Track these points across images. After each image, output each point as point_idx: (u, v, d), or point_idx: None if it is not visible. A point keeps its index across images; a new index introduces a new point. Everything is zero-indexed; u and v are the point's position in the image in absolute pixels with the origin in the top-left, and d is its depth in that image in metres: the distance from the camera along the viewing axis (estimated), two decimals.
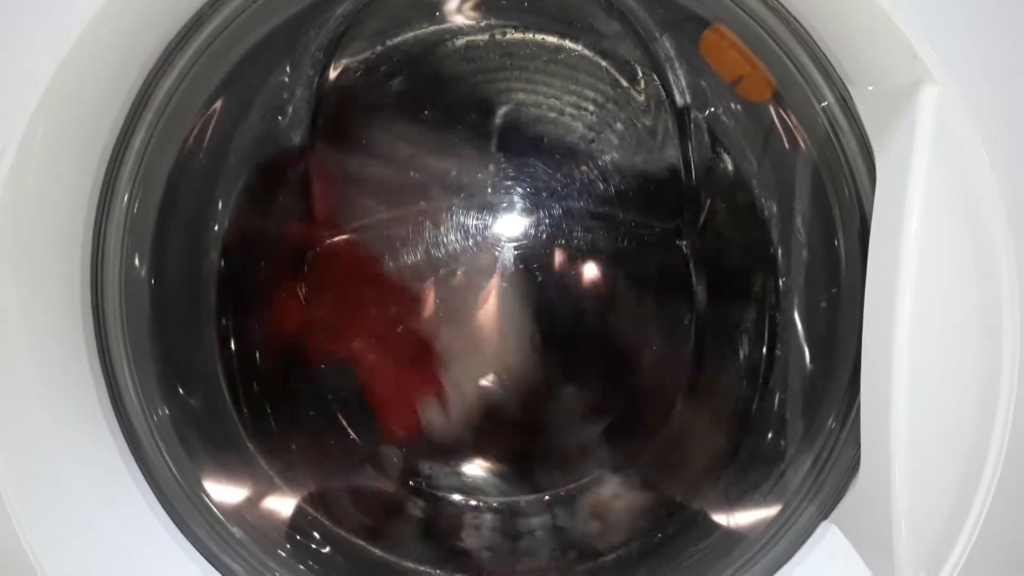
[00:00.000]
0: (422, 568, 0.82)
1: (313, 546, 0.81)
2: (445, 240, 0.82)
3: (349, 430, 0.87)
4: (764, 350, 0.79)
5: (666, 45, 0.77)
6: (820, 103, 0.65)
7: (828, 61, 0.63)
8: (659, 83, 0.79)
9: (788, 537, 0.69)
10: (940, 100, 0.55)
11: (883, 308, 0.57)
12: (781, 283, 0.77)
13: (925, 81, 0.55)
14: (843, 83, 0.63)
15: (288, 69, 0.81)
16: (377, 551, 0.84)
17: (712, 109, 0.77)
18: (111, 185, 0.68)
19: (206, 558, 0.69)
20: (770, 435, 0.77)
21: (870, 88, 0.60)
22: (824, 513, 0.67)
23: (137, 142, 0.68)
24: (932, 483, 0.58)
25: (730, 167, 0.79)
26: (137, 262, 0.72)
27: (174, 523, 0.69)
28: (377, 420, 0.88)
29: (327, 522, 0.83)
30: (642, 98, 0.81)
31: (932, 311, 0.56)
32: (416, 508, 0.87)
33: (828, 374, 0.71)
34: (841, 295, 0.69)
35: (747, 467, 0.78)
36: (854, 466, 0.67)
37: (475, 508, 0.86)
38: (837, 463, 0.69)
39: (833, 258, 0.70)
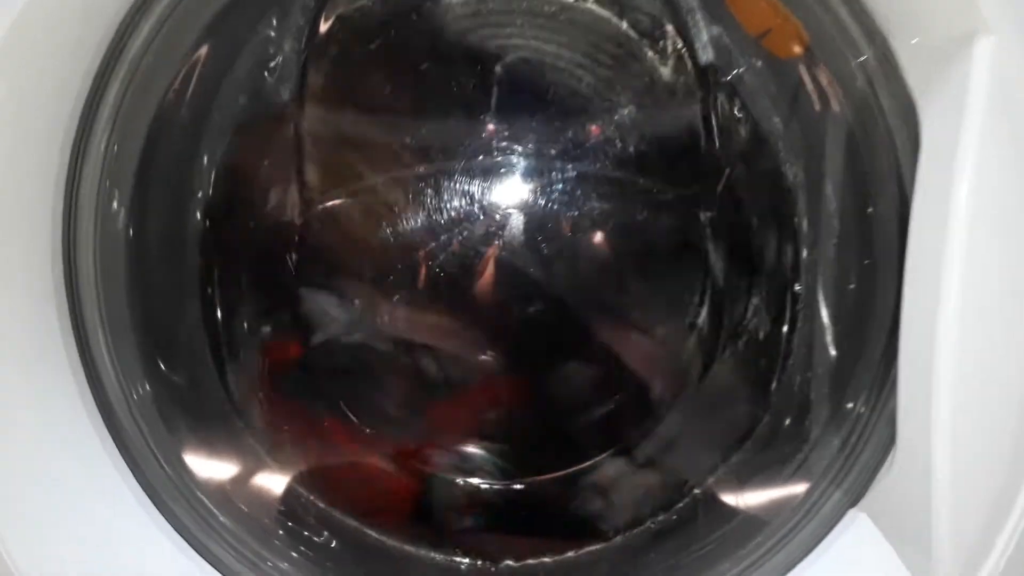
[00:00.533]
0: (421, 551, 0.78)
1: (306, 530, 0.77)
2: (445, 204, 0.77)
3: (344, 406, 0.83)
4: (786, 325, 0.74)
5: None
6: (857, 59, 0.60)
7: (867, 11, 0.58)
8: (680, 37, 0.73)
9: (812, 525, 0.65)
10: (996, 52, 0.50)
11: (927, 281, 0.52)
12: (806, 254, 0.72)
13: (980, 31, 0.50)
14: (884, 36, 0.57)
15: (275, 21, 0.75)
16: (373, 533, 0.80)
17: (736, 67, 0.72)
18: (85, 141, 0.63)
19: (191, 544, 0.65)
20: (792, 416, 0.72)
21: (915, 41, 0.55)
22: (852, 500, 0.63)
23: (112, 93, 0.63)
24: (976, 471, 0.54)
25: (754, 130, 0.74)
26: (113, 225, 0.67)
27: (156, 507, 0.65)
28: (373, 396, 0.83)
29: (321, 504, 0.79)
30: (660, 54, 0.75)
31: (983, 284, 0.51)
32: (415, 488, 0.82)
33: (857, 352, 0.67)
34: (875, 267, 0.64)
35: (767, 449, 0.74)
36: (884, 450, 0.62)
37: (476, 489, 0.81)
38: (866, 447, 0.64)
39: (866, 228, 0.65)
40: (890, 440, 0.62)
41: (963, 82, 0.50)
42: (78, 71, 0.59)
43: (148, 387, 0.70)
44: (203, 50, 0.70)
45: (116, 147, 0.65)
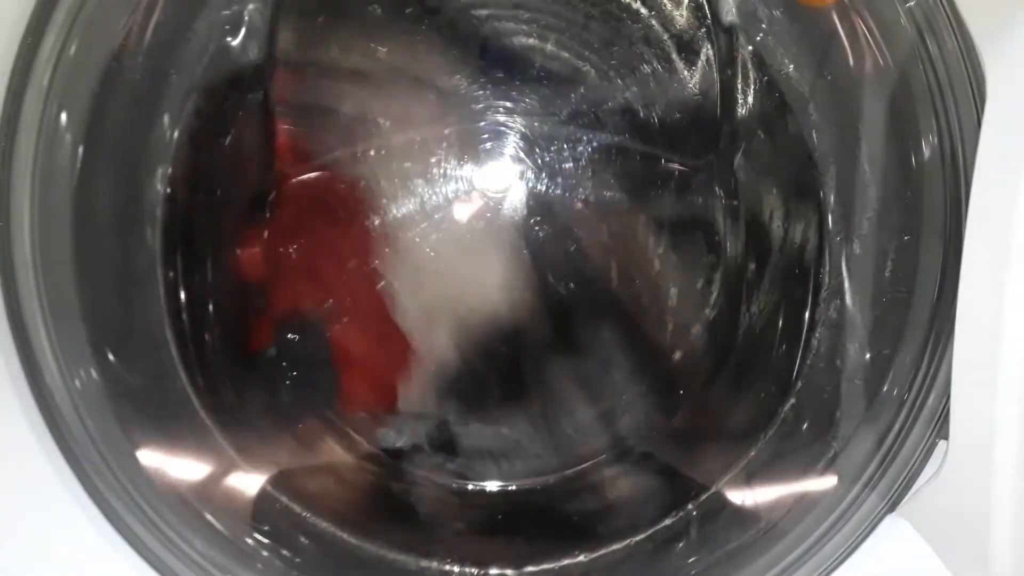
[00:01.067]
0: (410, 559, 0.71)
1: (280, 538, 0.69)
2: (431, 177, 0.70)
3: (321, 399, 0.75)
4: (809, 310, 0.67)
5: None
6: (905, 2, 0.53)
7: None
8: None
9: (846, 531, 0.58)
10: None
11: (995, 259, 0.45)
12: (833, 230, 0.65)
13: None
14: None
15: None
16: (353, 540, 0.73)
17: (762, 24, 0.64)
18: (17, 104, 0.55)
19: (144, 557, 0.57)
20: (818, 410, 0.66)
21: None
22: (890, 505, 0.56)
23: (47, 48, 0.54)
24: None
25: (778, 95, 0.66)
26: (56, 199, 0.59)
27: (105, 517, 0.58)
28: (351, 387, 0.76)
29: (297, 508, 0.72)
30: (678, 10, 0.68)
31: None
32: (399, 491, 0.75)
33: (894, 341, 0.60)
34: (916, 244, 0.58)
35: (790, 447, 0.67)
36: (927, 451, 0.56)
37: (467, 492, 0.74)
38: (904, 446, 0.58)
39: (909, 199, 0.58)
40: (933, 438, 0.56)
41: None
42: (8, 10, 0.51)
43: (97, 380, 0.62)
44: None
45: (57, 105, 0.57)
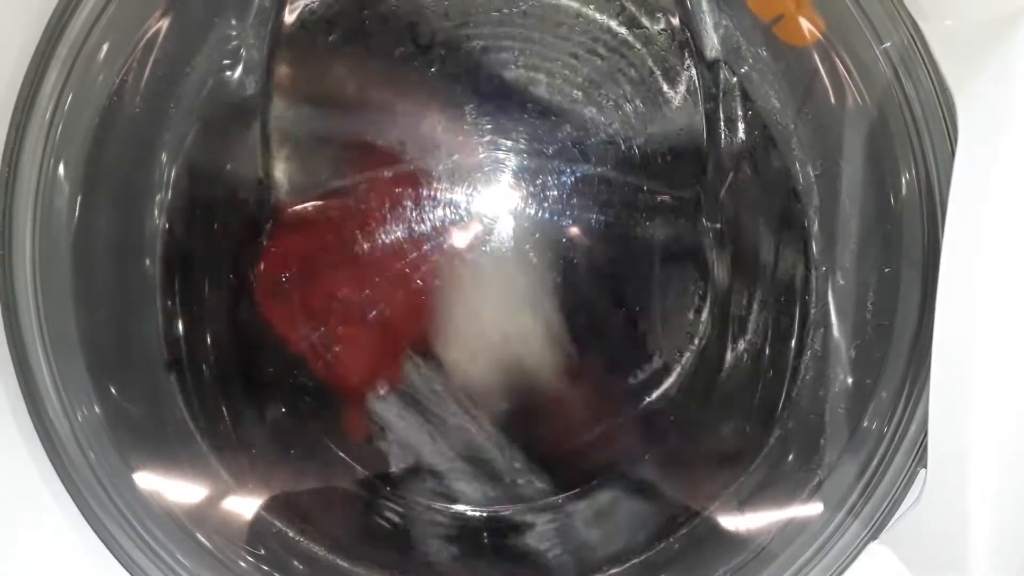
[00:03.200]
0: None
1: (275, 562, 0.70)
2: (428, 209, 0.71)
3: (317, 426, 0.76)
4: (795, 340, 0.68)
5: None
6: (881, 44, 0.54)
7: None
8: (685, 29, 0.67)
9: (828, 559, 0.59)
10: None
11: (968, 290, 0.46)
12: (817, 262, 0.66)
13: None
14: (912, 18, 0.52)
15: (233, 20, 0.69)
16: (346, 563, 0.73)
17: (745, 61, 0.66)
18: (19, 139, 0.56)
19: None
20: (803, 438, 0.67)
21: (948, 23, 0.50)
22: (873, 532, 0.57)
23: (49, 85, 0.56)
24: (1019, 503, 0.48)
25: (762, 128, 0.68)
26: (56, 228, 0.61)
27: (100, 539, 0.58)
28: (347, 416, 0.77)
29: (291, 533, 0.72)
30: (664, 47, 0.69)
31: None
32: (395, 517, 0.76)
33: (876, 370, 0.61)
34: (897, 276, 0.59)
35: (776, 474, 0.68)
36: (909, 479, 0.57)
37: (461, 516, 0.75)
38: (886, 474, 0.59)
39: (888, 232, 0.59)
40: (914, 467, 0.57)
41: (1007, 69, 0.45)
42: (12, 46, 0.53)
43: (96, 406, 0.63)
44: (159, 32, 0.64)
45: (58, 139, 0.58)
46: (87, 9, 0.57)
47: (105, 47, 0.60)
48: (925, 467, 0.54)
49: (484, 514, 0.75)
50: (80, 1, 0.56)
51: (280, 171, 0.73)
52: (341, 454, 0.75)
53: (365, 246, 0.71)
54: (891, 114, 0.56)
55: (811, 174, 0.66)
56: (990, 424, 0.46)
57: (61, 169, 0.60)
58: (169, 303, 0.71)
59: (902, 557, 0.55)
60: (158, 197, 0.69)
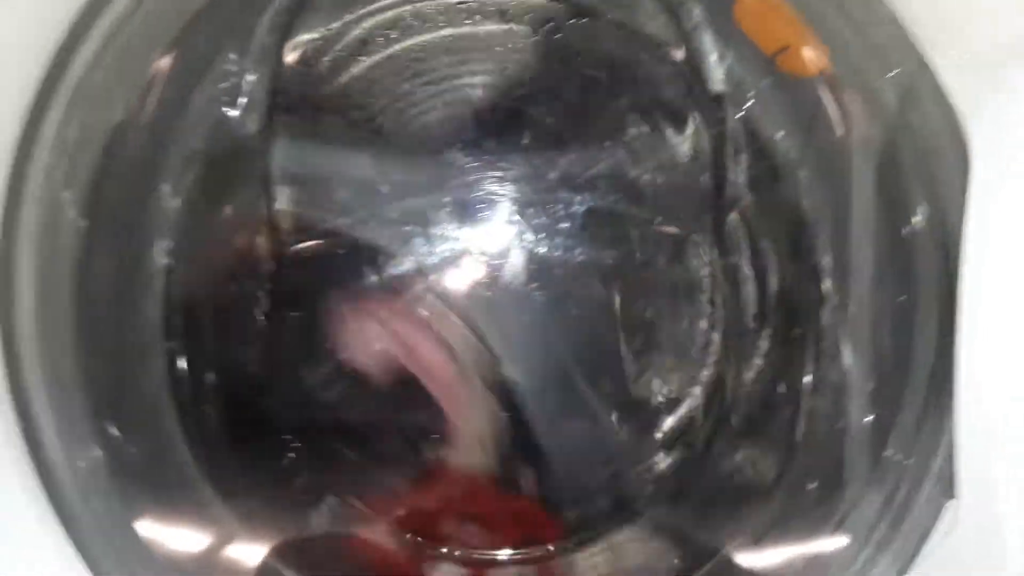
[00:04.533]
0: None
1: None
2: (432, 245, 0.71)
3: (329, 470, 0.75)
4: (810, 371, 0.67)
5: (693, 12, 0.66)
6: (887, 73, 0.55)
7: (897, 20, 0.52)
8: (687, 64, 0.68)
9: None
10: None
11: (991, 316, 0.46)
12: (829, 293, 0.66)
13: None
14: (919, 47, 0.52)
15: (234, 57, 0.69)
16: None
17: (749, 93, 0.66)
18: (20, 178, 0.56)
19: None
20: (823, 471, 0.65)
21: (959, 51, 0.50)
22: (902, 566, 0.56)
23: (50, 123, 0.56)
24: None
25: (768, 160, 0.68)
26: (58, 270, 0.60)
27: None
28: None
29: None
30: (667, 81, 0.70)
31: None
32: (401, 560, 0.74)
33: (896, 398, 0.60)
34: (914, 304, 0.58)
35: (796, 509, 0.67)
36: (936, 511, 0.55)
37: (475, 561, 0.73)
38: (913, 504, 0.57)
39: (901, 261, 0.59)
40: (942, 497, 0.56)
41: (1020, 91, 0.45)
42: (13, 86, 0.52)
43: (98, 451, 0.62)
44: (162, 69, 0.64)
45: (59, 179, 0.58)
46: (93, 43, 0.56)
47: (109, 83, 0.59)
48: (954, 497, 0.53)
49: (503, 557, 0.73)
50: (86, 35, 0.56)
51: (282, 209, 0.73)
52: (343, 492, 0.73)
53: (371, 281, 0.71)
54: (900, 142, 0.56)
55: (820, 205, 0.65)
56: (1021, 450, 0.46)
57: (64, 206, 0.59)
58: (171, 344, 0.70)
59: None
60: (159, 237, 0.69)
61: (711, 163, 0.70)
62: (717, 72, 0.67)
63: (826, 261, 0.66)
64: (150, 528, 0.64)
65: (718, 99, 0.67)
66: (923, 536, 0.56)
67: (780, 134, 0.67)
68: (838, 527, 0.61)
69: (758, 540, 0.68)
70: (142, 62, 0.64)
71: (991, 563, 0.47)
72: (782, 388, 0.70)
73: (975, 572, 0.49)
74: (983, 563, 0.48)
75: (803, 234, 0.67)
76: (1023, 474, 0.46)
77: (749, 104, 0.67)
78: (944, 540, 0.53)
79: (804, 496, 0.66)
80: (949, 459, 0.53)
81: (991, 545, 0.47)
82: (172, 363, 0.70)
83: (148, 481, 0.66)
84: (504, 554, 0.74)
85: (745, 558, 0.68)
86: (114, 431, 0.63)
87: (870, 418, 0.62)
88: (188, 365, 0.71)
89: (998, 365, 0.46)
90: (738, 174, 0.69)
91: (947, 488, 0.55)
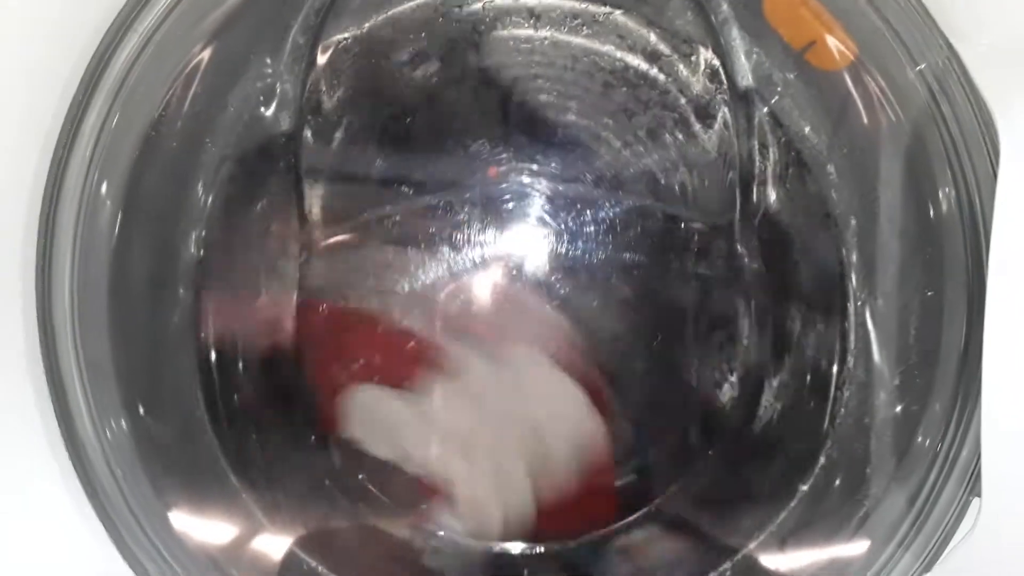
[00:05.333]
0: None
1: None
2: (457, 237, 0.71)
3: (354, 463, 0.75)
4: (836, 367, 0.67)
5: (722, 7, 0.66)
6: (915, 67, 0.54)
7: (925, 12, 0.52)
8: (716, 58, 0.68)
9: None
10: None
11: (1019, 309, 0.45)
12: (857, 287, 0.65)
13: None
14: (947, 39, 0.52)
15: (268, 59, 0.71)
16: None
17: (777, 88, 0.66)
18: (61, 172, 0.58)
19: None
20: (848, 469, 0.65)
21: (987, 42, 0.49)
22: (925, 565, 0.55)
23: (91, 119, 0.57)
24: None
25: (796, 154, 0.68)
26: (95, 259, 0.61)
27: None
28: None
29: (325, 571, 0.71)
30: (694, 76, 0.70)
31: None
32: (426, 553, 0.75)
33: (922, 397, 0.59)
34: (940, 298, 0.58)
35: (820, 508, 0.66)
36: (961, 509, 0.55)
37: (494, 554, 0.73)
38: (938, 502, 0.57)
39: (929, 255, 0.58)
40: (966, 495, 0.55)
41: None
42: (56, 82, 0.54)
43: (131, 442, 0.63)
44: (199, 66, 0.66)
45: (98, 173, 0.59)
46: (133, 40, 0.58)
47: (146, 80, 0.61)
48: (979, 495, 0.52)
49: (520, 551, 0.73)
50: (126, 32, 0.58)
51: (314, 206, 0.74)
52: (369, 485, 0.74)
53: (400, 279, 0.71)
54: (928, 136, 0.56)
55: (848, 199, 0.65)
56: None
57: (103, 196, 0.61)
58: (203, 335, 0.71)
59: None
60: (193, 229, 0.70)
61: (739, 159, 0.70)
62: (744, 67, 0.67)
63: (854, 255, 0.65)
64: (182, 519, 0.65)
65: (746, 93, 0.67)
66: (948, 534, 0.55)
67: (807, 128, 0.66)
68: (861, 525, 0.60)
69: (782, 539, 0.67)
70: (180, 58, 0.66)
71: (1015, 562, 0.46)
72: (810, 384, 0.70)
73: (1000, 571, 0.48)
74: (1007, 562, 0.47)
75: (830, 229, 0.66)
76: None
77: (776, 99, 0.66)
78: (968, 538, 0.52)
79: (830, 494, 0.66)
80: (976, 454, 0.52)
81: (1016, 543, 0.46)
82: (203, 353, 0.72)
83: (178, 469, 0.67)
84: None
85: (768, 557, 0.67)
86: (145, 417, 0.65)
87: (898, 409, 0.61)
88: (217, 356, 0.72)
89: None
90: (767, 170, 0.69)
91: (975, 484, 0.54)
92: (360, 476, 0.74)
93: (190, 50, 0.66)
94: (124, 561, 0.58)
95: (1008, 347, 0.47)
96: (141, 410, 0.64)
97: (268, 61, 0.71)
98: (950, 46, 0.52)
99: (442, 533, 0.74)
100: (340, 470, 0.75)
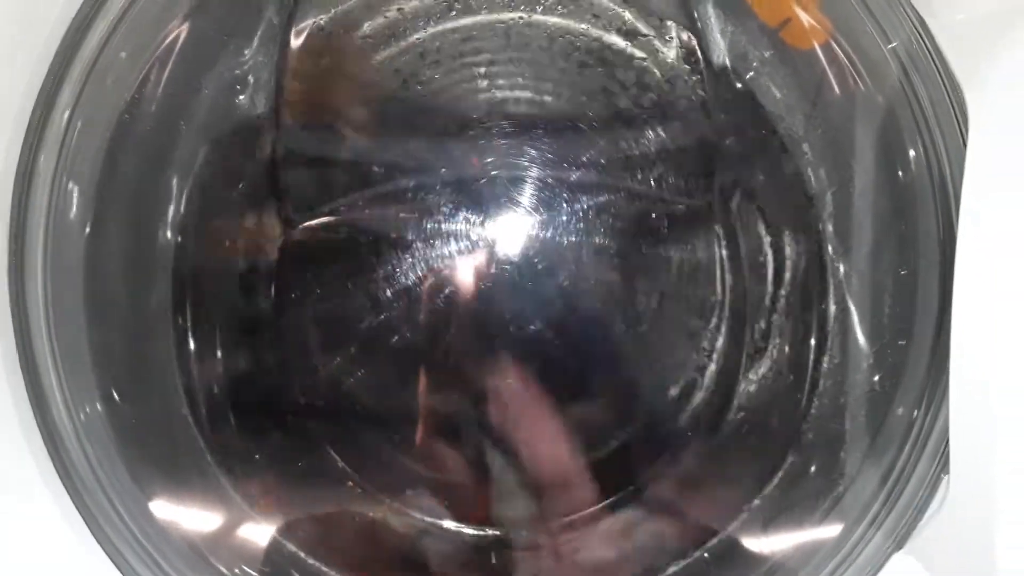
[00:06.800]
0: None
1: None
2: (438, 223, 0.71)
3: (334, 448, 0.76)
4: (813, 346, 0.67)
5: None
6: (888, 44, 0.54)
7: None
8: (691, 36, 0.67)
9: (851, 572, 0.57)
10: None
11: (985, 287, 0.45)
12: (834, 266, 0.65)
13: None
14: (919, 15, 0.51)
15: (243, 42, 0.70)
16: None
17: (752, 67, 0.65)
18: (33, 153, 0.57)
19: None
20: (824, 448, 0.65)
21: (959, 17, 0.49)
22: (897, 542, 0.55)
23: (63, 100, 0.57)
24: None
25: (772, 134, 0.67)
26: (68, 244, 0.61)
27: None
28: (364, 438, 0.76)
29: (309, 558, 0.71)
30: (669, 55, 0.69)
31: None
32: (410, 538, 0.75)
33: (896, 375, 0.59)
34: (915, 277, 0.57)
35: (796, 488, 0.66)
36: (932, 486, 0.55)
37: (478, 538, 0.74)
38: (909, 481, 0.57)
39: (903, 232, 0.58)
40: (937, 473, 0.55)
41: (1017, 59, 0.44)
42: (26, 64, 0.54)
43: (108, 430, 0.63)
44: (172, 48, 0.65)
45: (71, 156, 0.59)
46: (104, 22, 0.58)
47: (119, 60, 0.60)
48: (948, 473, 0.53)
49: (505, 536, 0.74)
50: (98, 11, 0.57)
51: (290, 190, 0.73)
52: (348, 470, 0.74)
53: (378, 263, 0.71)
54: (901, 112, 0.56)
55: (823, 177, 0.65)
56: (1014, 425, 0.45)
57: (74, 183, 0.60)
58: (180, 320, 0.71)
59: (928, 567, 0.54)
60: (170, 213, 0.70)
61: (716, 139, 0.69)
62: (720, 45, 0.66)
63: (830, 234, 0.65)
64: (162, 506, 0.65)
65: (721, 72, 0.67)
66: (919, 512, 0.55)
67: (783, 107, 0.66)
68: (836, 503, 0.61)
69: (759, 519, 0.67)
70: (153, 40, 0.65)
71: (983, 538, 0.46)
72: (788, 365, 0.70)
73: (969, 547, 0.49)
74: (976, 538, 0.47)
75: (807, 208, 0.66)
76: (1018, 446, 0.45)
77: (752, 75, 0.66)
78: (938, 515, 0.53)
79: (807, 474, 0.66)
80: (947, 433, 0.53)
81: (983, 520, 0.46)
82: (181, 340, 0.71)
83: (158, 456, 0.67)
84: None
85: (747, 538, 0.67)
86: (126, 408, 0.65)
87: (871, 392, 0.61)
88: (196, 342, 0.72)
89: (994, 334, 0.45)
90: (743, 149, 0.69)
91: (945, 462, 0.54)
92: (343, 465, 0.74)
93: (163, 31, 0.65)
94: (101, 548, 0.58)
95: (976, 324, 0.47)
96: (116, 396, 0.64)
97: (242, 41, 0.71)
98: (922, 22, 0.51)
99: (428, 519, 0.74)
100: (324, 457, 0.75)
